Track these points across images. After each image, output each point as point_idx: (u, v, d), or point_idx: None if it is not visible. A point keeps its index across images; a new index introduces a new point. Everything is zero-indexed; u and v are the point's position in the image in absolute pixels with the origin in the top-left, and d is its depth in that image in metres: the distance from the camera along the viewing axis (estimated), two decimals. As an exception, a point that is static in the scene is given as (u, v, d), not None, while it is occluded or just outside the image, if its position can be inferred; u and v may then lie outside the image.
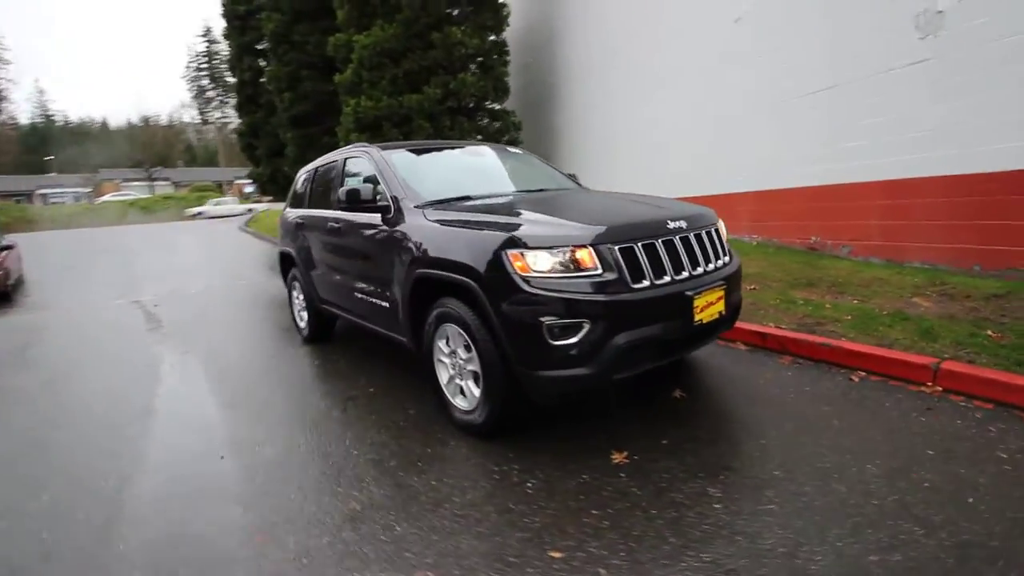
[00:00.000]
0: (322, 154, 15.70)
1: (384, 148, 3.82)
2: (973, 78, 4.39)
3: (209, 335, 5.53)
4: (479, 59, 10.81)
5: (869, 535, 1.83)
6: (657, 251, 2.54)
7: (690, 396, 3.09)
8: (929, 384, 2.91)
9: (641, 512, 2.05)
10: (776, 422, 2.69)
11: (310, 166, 5.03)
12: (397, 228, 3.19)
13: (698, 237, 2.76)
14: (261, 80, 15.09)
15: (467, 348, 2.74)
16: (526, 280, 2.38)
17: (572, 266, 2.39)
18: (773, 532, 1.87)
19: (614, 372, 2.42)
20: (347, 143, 11.02)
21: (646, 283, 2.46)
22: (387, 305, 3.38)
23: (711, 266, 2.77)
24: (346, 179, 4.07)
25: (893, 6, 4.88)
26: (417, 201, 3.21)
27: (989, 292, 4.06)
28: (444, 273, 2.74)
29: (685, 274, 2.60)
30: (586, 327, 2.34)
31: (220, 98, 45.94)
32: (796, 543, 1.81)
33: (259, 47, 15.66)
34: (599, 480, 2.29)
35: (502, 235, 2.48)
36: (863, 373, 3.19)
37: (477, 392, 2.73)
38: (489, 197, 3.37)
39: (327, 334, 4.97)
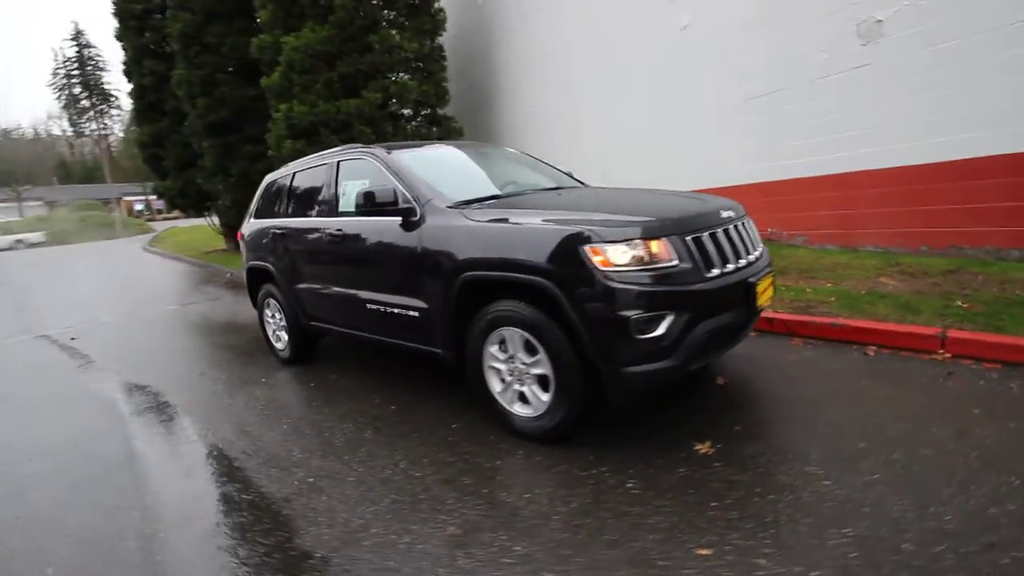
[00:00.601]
0: (245, 164, 14.74)
1: (389, 149, 3.59)
2: (909, 81, 4.94)
3: (160, 367, 4.88)
4: (418, 63, 10.58)
5: (975, 490, 1.95)
6: (719, 241, 2.58)
7: (733, 382, 3.17)
8: (940, 351, 3.20)
9: (759, 498, 2.05)
10: (828, 398, 2.83)
11: (282, 171, 4.62)
12: (426, 231, 2.99)
13: (743, 226, 2.85)
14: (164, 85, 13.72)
15: (530, 351, 2.61)
16: (607, 275, 2.31)
17: (649, 258, 2.35)
18: (893, 500, 1.95)
19: (693, 363, 2.42)
20: (279, 151, 10.33)
21: (716, 272, 2.48)
22: (415, 315, 3.15)
23: (757, 253, 2.86)
24: (342, 184, 3.78)
25: (835, 17, 5.38)
26: (447, 202, 3.04)
27: (943, 268, 4.56)
28: (505, 274, 2.60)
29: (743, 262, 2.66)
30: (670, 319, 2.32)
31: (98, 107, 41.18)
32: (920, 506, 1.90)
33: (160, 49, 14.24)
34: (699, 472, 2.26)
35: (577, 230, 2.40)
36: (874, 347, 3.44)
37: (544, 396, 2.61)
38: (519, 195, 3.27)
39: (310, 354, 4.58)
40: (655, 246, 2.37)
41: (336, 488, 2.47)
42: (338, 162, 3.85)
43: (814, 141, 5.81)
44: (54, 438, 3.40)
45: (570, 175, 4.33)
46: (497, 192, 3.26)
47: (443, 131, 11.04)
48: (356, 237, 3.48)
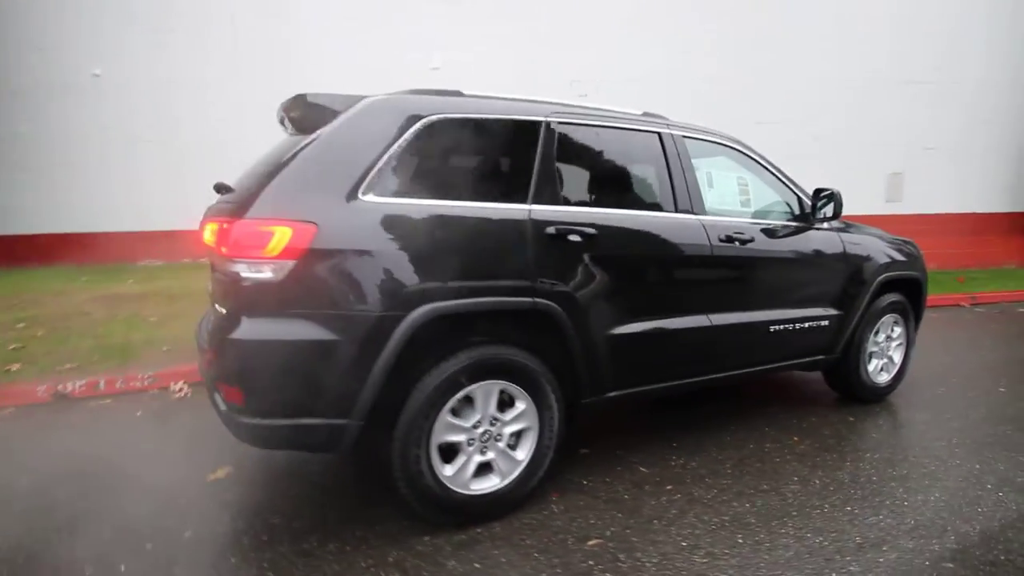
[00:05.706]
0: None
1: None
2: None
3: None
4: None
5: None
6: None
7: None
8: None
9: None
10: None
11: (530, 112, 2.30)
12: (845, 236, 3.24)
13: None
14: None
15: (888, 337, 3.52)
16: None
17: None
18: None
19: None
20: None
21: None
22: (825, 324, 3.11)
23: None
24: (693, 171, 2.72)
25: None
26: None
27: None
28: (903, 273, 3.45)
29: None
30: None
31: None
32: None
33: None
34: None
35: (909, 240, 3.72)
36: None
37: (896, 357, 3.54)
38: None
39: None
40: None
41: None
42: (683, 136, 2.69)
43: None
44: None
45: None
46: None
47: None
48: (775, 245, 2.94)
